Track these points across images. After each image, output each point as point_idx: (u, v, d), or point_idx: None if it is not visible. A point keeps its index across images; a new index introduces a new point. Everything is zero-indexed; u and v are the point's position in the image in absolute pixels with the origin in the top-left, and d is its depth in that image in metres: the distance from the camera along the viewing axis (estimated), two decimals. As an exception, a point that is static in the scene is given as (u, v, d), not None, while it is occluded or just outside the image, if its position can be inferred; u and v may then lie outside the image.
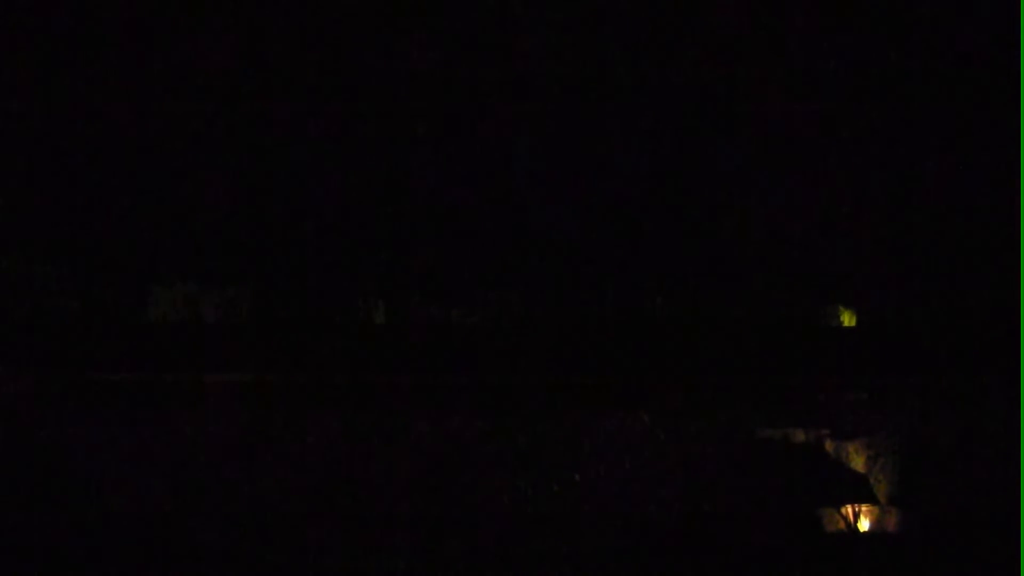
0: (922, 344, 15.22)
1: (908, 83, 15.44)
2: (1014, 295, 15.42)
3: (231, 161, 15.19)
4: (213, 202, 15.19)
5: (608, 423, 14.57)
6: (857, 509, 14.61)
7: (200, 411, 14.35)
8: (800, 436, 14.76)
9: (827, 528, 14.56)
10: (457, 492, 14.37)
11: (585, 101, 15.27)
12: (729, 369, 14.83)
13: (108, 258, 14.98)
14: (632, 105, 15.25)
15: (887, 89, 15.46)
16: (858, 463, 14.76)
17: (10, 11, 14.94)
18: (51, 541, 13.72)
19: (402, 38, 15.07)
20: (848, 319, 15.77)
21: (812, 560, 14.18)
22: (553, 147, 15.22)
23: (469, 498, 14.36)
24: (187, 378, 14.40)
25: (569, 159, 15.23)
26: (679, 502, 14.47)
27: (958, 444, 14.75)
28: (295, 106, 15.26)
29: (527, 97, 15.26)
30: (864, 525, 14.64)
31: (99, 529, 13.93)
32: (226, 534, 14.04)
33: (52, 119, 15.07)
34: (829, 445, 14.80)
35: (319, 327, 15.06)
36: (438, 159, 15.18)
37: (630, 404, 14.65)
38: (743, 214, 15.39)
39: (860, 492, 14.63)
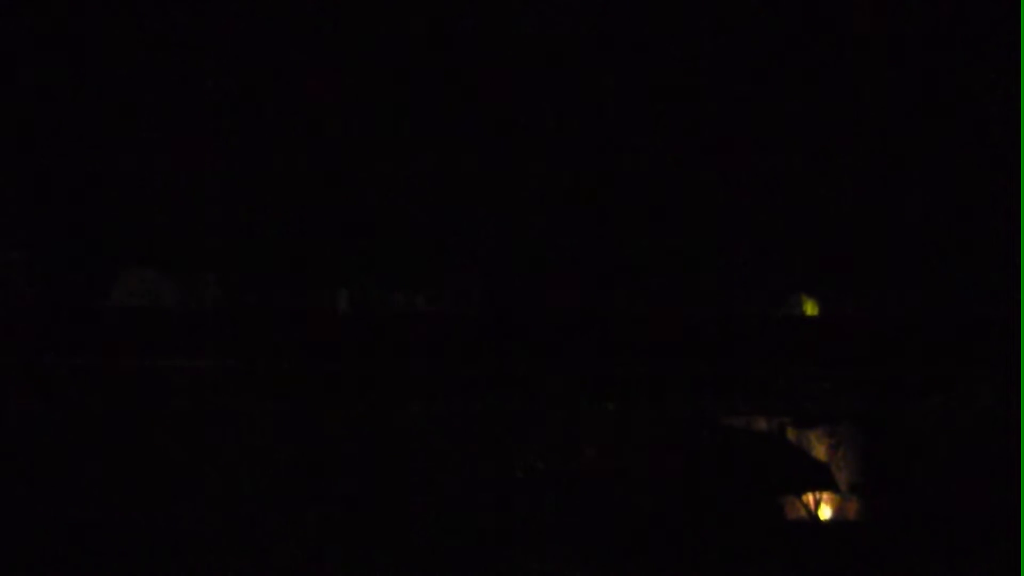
0: (884, 333, 15.29)
1: (874, 79, 15.48)
2: (978, 286, 15.51)
3: (192, 147, 15.10)
4: (175, 187, 15.10)
5: (571, 411, 14.58)
6: (818, 497, 14.68)
7: (162, 398, 14.29)
8: (762, 424, 14.82)
9: (788, 516, 14.62)
10: (418, 481, 14.37)
11: (547, 93, 15.25)
12: (691, 357, 14.87)
13: (69, 243, 14.88)
14: (593, 98, 15.24)
15: (854, 83, 15.51)
16: (820, 451, 14.82)
17: None
18: (12, 528, 13.65)
19: (355, 26, 15.01)
20: (811, 308, 15.83)
21: (773, 548, 14.23)
22: (515, 135, 15.19)
23: (429, 486, 14.36)
24: (147, 364, 14.33)
25: (531, 148, 15.21)
26: (641, 490, 14.51)
27: (920, 433, 14.85)
28: (258, 95, 15.18)
29: (490, 86, 15.22)
30: (825, 513, 14.71)
31: (60, 517, 13.87)
32: (185, 521, 13.99)
33: (10, 104, 14.96)
34: (791, 433, 14.86)
35: (281, 313, 15.01)
36: (401, 145, 15.14)
37: (593, 392, 14.67)
38: (705, 203, 15.41)
39: (821, 480, 14.70)
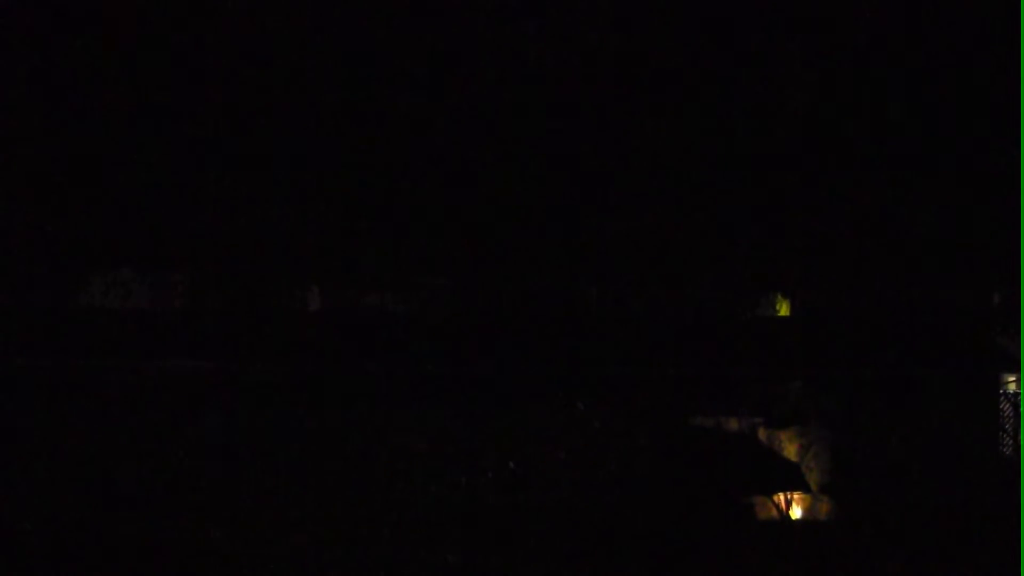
0: (855, 334, 15.38)
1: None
2: (947, 290, 15.60)
3: (167, 149, 15.15)
4: (150, 190, 15.14)
5: (543, 411, 14.63)
6: (789, 497, 14.73)
7: (133, 396, 14.33)
8: (733, 424, 14.87)
9: (759, 516, 14.67)
10: (390, 479, 14.41)
11: (515, 103, 15.31)
12: (662, 358, 14.94)
13: (43, 245, 14.91)
14: (559, 102, 15.30)
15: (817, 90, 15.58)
16: (790, 451, 14.88)
17: None
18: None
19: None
20: (784, 309, 15.91)
21: (744, 547, 14.26)
22: (483, 143, 15.24)
23: (402, 485, 14.39)
24: (121, 364, 14.36)
25: (501, 153, 15.26)
26: (613, 489, 14.55)
27: (889, 434, 14.92)
28: (227, 98, 15.23)
29: (457, 91, 15.27)
30: (796, 512, 14.76)
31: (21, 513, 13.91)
32: (147, 516, 14.01)
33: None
34: (762, 433, 14.91)
35: (254, 314, 15.08)
36: (371, 149, 15.20)
37: (565, 393, 14.71)
38: (676, 206, 15.48)
39: (792, 480, 14.74)
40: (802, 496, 14.79)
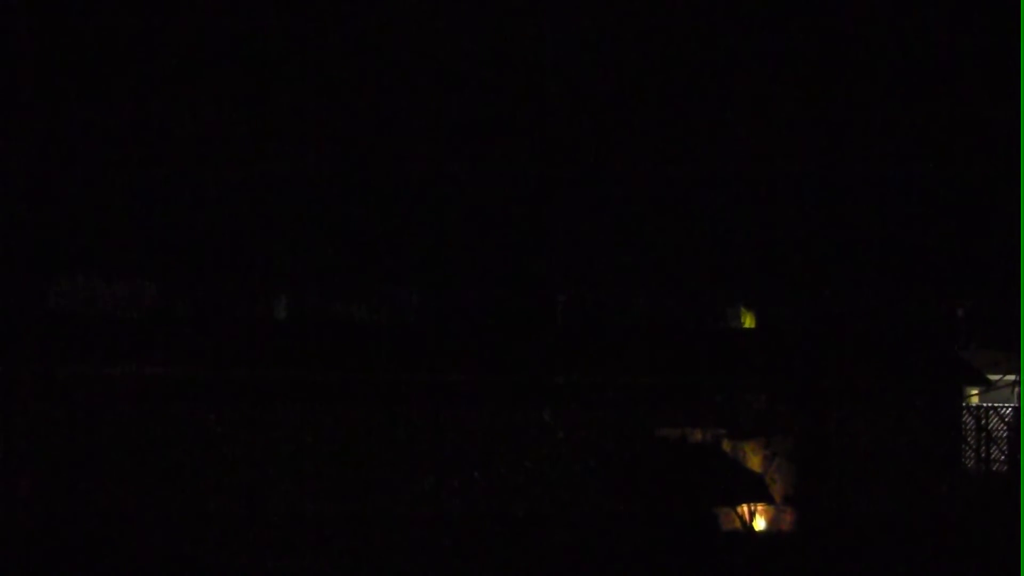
0: (820, 345, 15.44)
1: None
2: (910, 301, 15.70)
3: (136, 157, 15.07)
4: (118, 198, 15.06)
5: (508, 421, 14.63)
6: (753, 508, 14.77)
7: (100, 403, 14.24)
8: (697, 435, 14.91)
9: (723, 527, 14.70)
10: (355, 489, 14.38)
11: (482, 104, 15.30)
12: (627, 368, 14.98)
13: (8, 250, 14.79)
14: (527, 118, 15.31)
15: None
16: (755, 463, 14.92)
17: None
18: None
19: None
20: (749, 321, 15.98)
21: (708, 558, 14.29)
22: (446, 148, 15.24)
23: (367, 495, 14.38)
24: (87, 371, 14.26)
25: (470, 163, 15.26)
26: (577, 499, 14.57)
27: (853, 446, 14.99)
28: (198, 105, 15.16)
29: (419, 99, 15.26)
30: (760, 524, 14.81)
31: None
32: (113, 525, 13.93)
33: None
34: (726, 445, 14.95)
35: (220, 322, 15.01)
36: (340, 156, 15.17)
37: (530, 402, 14.72)
38: (646, 215, 15.52)
39: (756, 492, 14.79)
40: (766, 507, 14.84)
